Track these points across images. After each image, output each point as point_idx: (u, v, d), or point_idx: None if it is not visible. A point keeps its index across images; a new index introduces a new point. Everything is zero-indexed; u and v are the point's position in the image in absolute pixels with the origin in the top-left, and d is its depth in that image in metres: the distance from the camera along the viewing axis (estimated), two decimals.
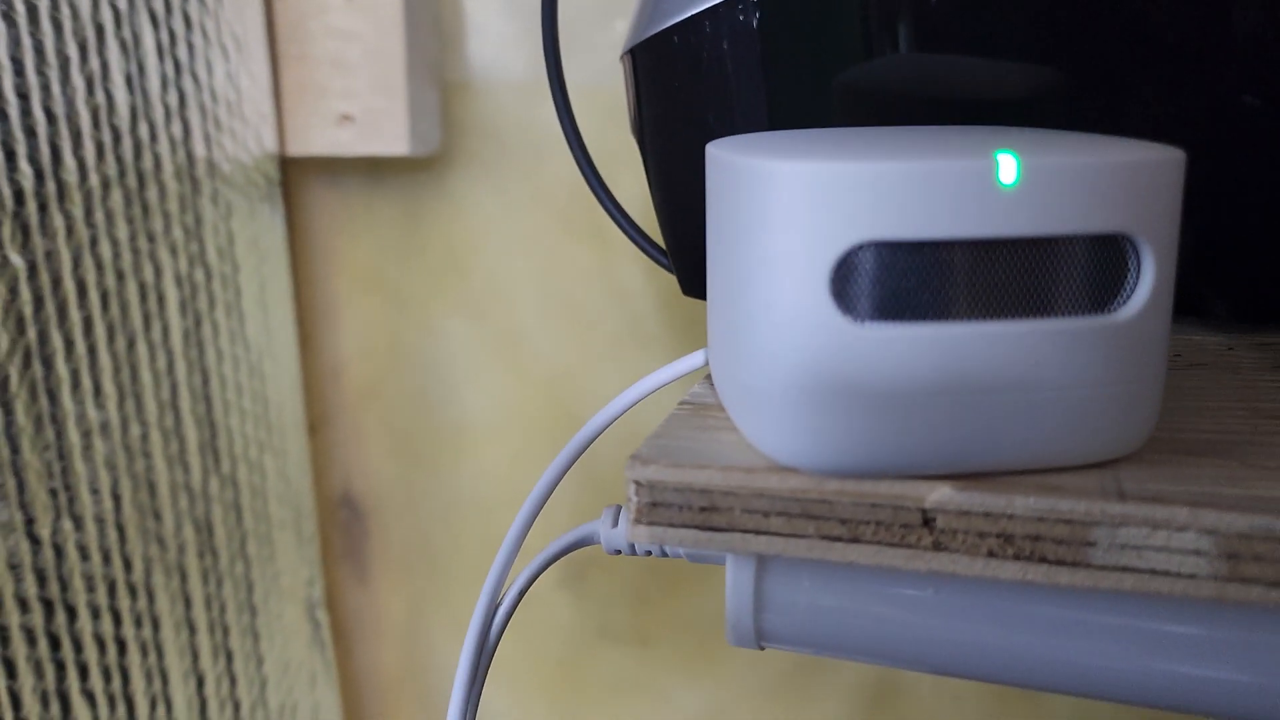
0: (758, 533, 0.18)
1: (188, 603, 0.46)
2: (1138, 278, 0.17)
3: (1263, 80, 0.26)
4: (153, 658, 0.44)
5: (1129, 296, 0.17)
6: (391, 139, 0.51)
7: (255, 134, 0.51)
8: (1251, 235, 0.26)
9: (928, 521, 0.18)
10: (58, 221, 0.39)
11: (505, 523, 0.65)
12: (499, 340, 0.58)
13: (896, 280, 0.17)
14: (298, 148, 0.53)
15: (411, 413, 0.61)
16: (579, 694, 0.62)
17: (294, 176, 0.57)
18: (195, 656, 0.47)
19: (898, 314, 0.17)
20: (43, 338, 0.39)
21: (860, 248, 0.16)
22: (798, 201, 0.16)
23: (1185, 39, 0.26)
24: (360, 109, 0.51)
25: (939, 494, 0.18)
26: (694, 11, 0.28)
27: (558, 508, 0.57)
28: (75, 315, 0.40)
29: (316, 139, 0.52)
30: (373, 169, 0.57)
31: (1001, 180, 0.16)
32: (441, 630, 0.64)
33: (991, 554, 0.18)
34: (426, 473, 0.62)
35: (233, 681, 0.50)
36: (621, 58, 0.31)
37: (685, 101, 0.29)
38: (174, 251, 0.45)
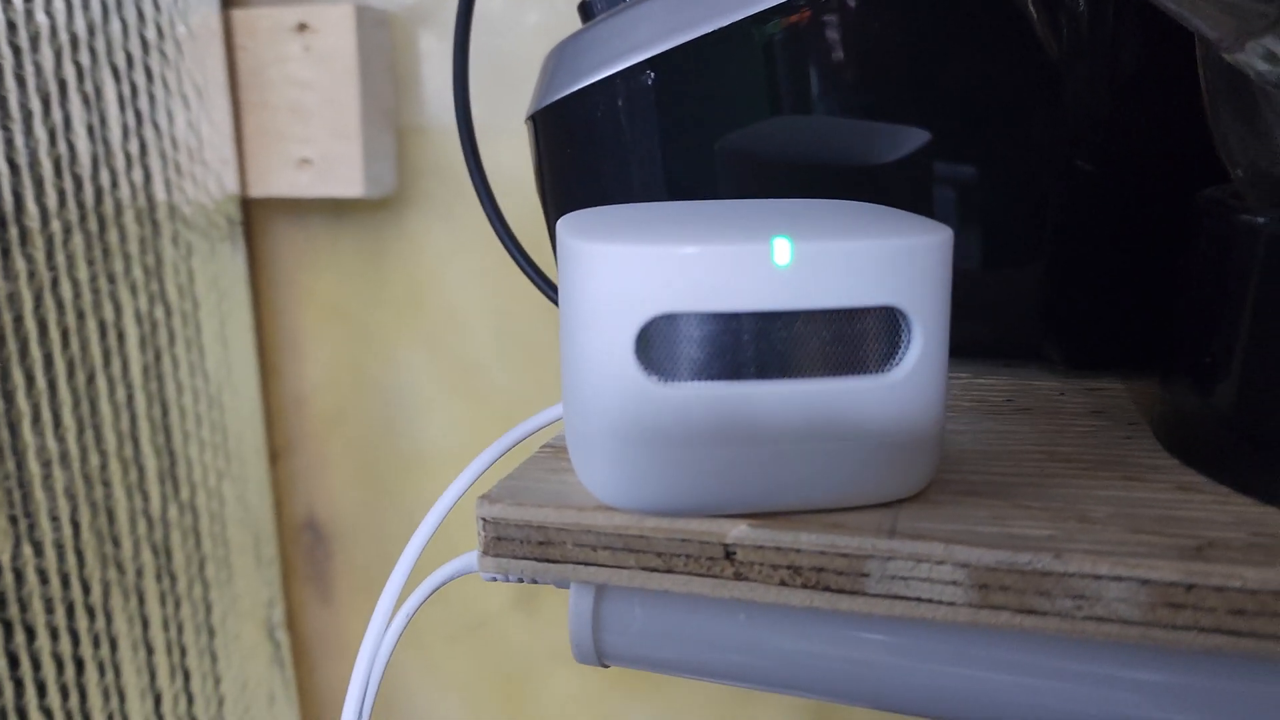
0: (587, 564, 0.21)
1: (145, 624, 0.49)
2: (909, 343, 0.20)
3: (1092, 146, 0.28)
4: (110, 676, 0.47)
5: (901, 359, 0.20)
6: (347, 182, 0.54)
7: (216, 178, 0.54)
8: (1081, 288, 0.29)
9: (729, 555, 0.20)
10: (20, 265, 0.42)
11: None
12: (456, 370, 0.61)
13: (692, 346, 0.19)
14: (259, 190, 0.56)
15: (373, 440, 0.64)
16: (532, 713, 0.64)
17: (259, 216, 0.60)
18: (152, 675, 0.49)
19: (695, 375, 0.19)
20: (4, 374, 0.41)
21: (658, 318, 0.19)
22: (604, 278, 0.19)
23: (1028, 110, 0.29)
24: (317, 153, 0.54)
25: (738, 531, 0.20)
26: (590, 81, 0.31)
27: None
28: (36, 352, 0.43)
29: (276, 182, 0.55)
30: (335, 208, 0.59)
31: (776, 261, 0.19)
32: (402, 648, 0.66)
33: (783, 583, 0.20)
34: (388, 498, 0.64)
35: (190, 700, 0.52)
36: (525, 122, 0.33)
37: (582, 167, 0.31)
38: (134, 291, 0.48)
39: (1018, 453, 0.24)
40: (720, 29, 0.29)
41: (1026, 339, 0.30)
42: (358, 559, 0.66)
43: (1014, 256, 0.29)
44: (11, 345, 0.41)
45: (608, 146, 0.31)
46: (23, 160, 0.42)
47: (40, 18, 0.42)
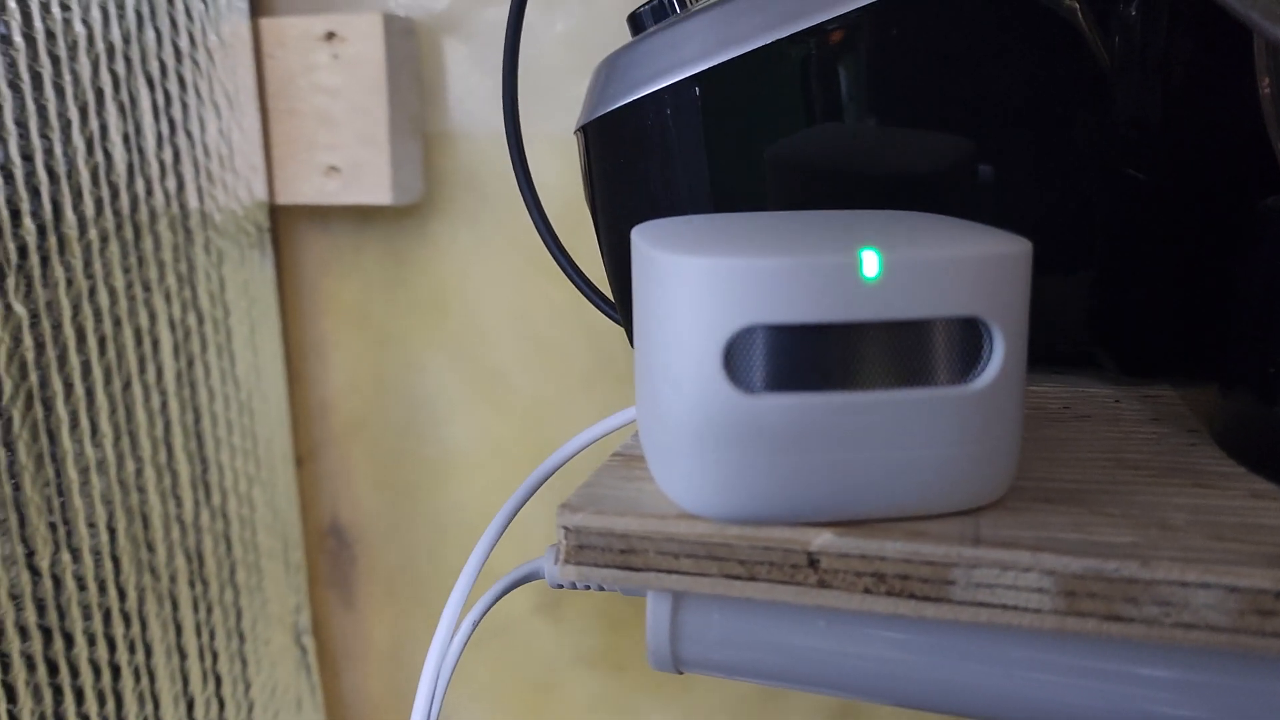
0: (669, 572, 0.21)
1: (179, 630, 0.49)
2: (991, 353, 0.20)
3: (1143, 155, 0.28)
4: (145, 682, 0.47)
5: (984, 369, 0.20)
6: (375, 189, 0.54)
7: (246, 185, 0.54)
8: (1134, 295, 0.29)
9: (813, 562, 0.20)
10: (59, 273, 0.42)
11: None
12: (479, 375, 0.61)
13: (779, 357, 0.20)
14: (287, 197, 0.56)
15: (396, 445, 0.64)
16: (555, 717, 0.64)
17: (285, 222, 0.60)
18: (185, 681, 0.50)
19: (781, 385, 0.20)
20: (44, 381, 0.41)
21: (746, 330, 0.19)
22: (693, 290, 0.19)
23: (1078, 119, 0.29)
24: (345, 161, 0.54)
25: (822, 539, 0.20)
26: (640, 94, 0.31)
27: (535, 528, 0.60)
28: (74, 360, 0.43)
29: (305, 189, 0.55)
30: (361, 215, 0.60)
31: (865, 274, 0.19)
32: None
33: (867, 591, 0.20)
34: (411, 502, 0.64)
35: (221, 705, 0.52)
36: (575, 133, 0.34)
37: (632, 175, 0.32)
38: (168, 298, 0.48)
39: (1085, 460, 0.24)
40: (768, 44, 0.30)
41: (1079, 346, 0.30)
42: (381, 564, 0.66)
43: (1065, 264, 0.30)
44: (50, 353, 0.42)
45: (657, 158, 0.31)
46: (61, 169, 0.42)
47: (78, 27, 0.42)
